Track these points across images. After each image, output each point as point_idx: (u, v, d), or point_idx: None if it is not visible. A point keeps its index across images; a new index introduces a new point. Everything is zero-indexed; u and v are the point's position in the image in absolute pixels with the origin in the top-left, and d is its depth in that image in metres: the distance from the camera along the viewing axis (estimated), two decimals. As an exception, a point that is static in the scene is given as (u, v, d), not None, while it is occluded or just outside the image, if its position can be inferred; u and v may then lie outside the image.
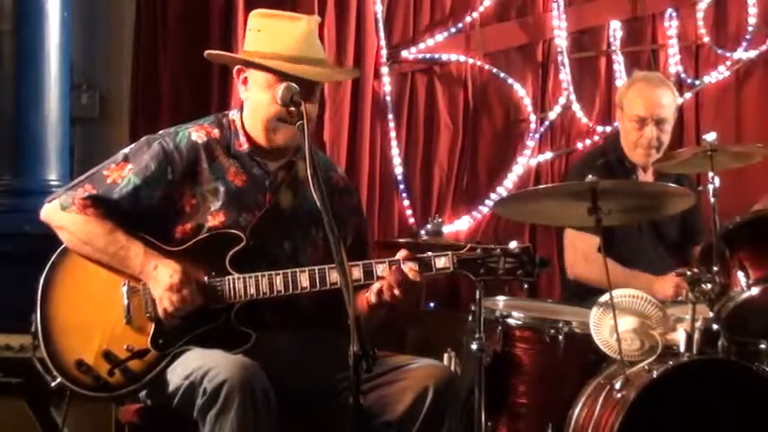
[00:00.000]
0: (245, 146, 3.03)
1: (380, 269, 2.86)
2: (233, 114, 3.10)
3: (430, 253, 2.91)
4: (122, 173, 2.96)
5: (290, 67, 2.91)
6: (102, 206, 2.93)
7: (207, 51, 3.24)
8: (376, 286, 2.87)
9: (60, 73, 4.63)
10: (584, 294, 3.96)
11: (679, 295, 3.81)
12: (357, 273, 2.85)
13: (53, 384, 2.89)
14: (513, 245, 2.92)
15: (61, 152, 4.66)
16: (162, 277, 2.84)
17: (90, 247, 2.92)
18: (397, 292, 2.84)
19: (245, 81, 3.02)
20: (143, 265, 2.88)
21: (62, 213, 2.94)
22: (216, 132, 3.05)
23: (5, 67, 4.57)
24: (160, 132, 3.06)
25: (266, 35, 2.98)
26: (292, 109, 2.76)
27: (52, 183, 4.59)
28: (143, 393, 2.95)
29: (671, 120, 4.25)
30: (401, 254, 2.89)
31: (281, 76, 2.90)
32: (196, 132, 3.04)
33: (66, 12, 4.66)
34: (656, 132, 4.18)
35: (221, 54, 3.42)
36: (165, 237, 2.95)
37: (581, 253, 4.06)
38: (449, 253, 2.89)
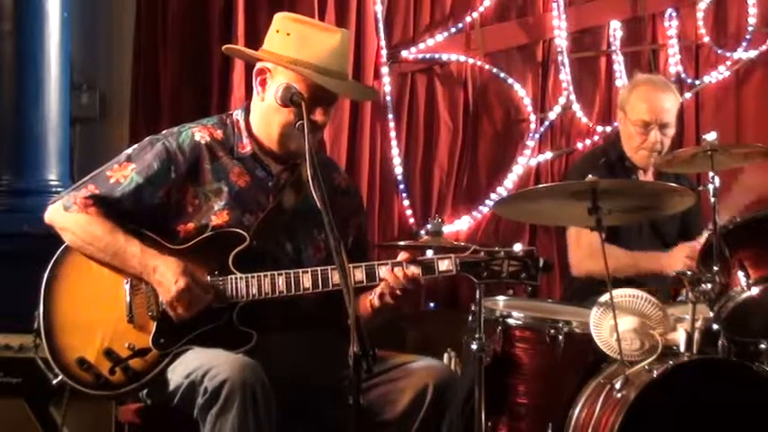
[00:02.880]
0: (248, 148, 3.03)
1: (383, 271, 2.86)
2: (237, 115, 3.09)
3: (431, 253, 2.91)
4: (125, 172, 2.96)
5: (328, 81, 2.90)
6: (104, 205, 2.93)
7: (226, 46, 3.21)
8: (378, 289, 2.86)
9: (60, 73, 4.63)
10: (585, 294, 3.96)
11: (690, 267, 3.74)
12: (359, 274, 2.85)
13: (54, 382, 2.89)
14: (517, 248, 2.91)
15: (61, 152, 4.66)
16: (167, 283, 2.84)
17: (92, 247, 2.92)
18: (398, 293, 2.84)
19: (263, 82, 2.99)
20: (141, 266, 2.88)
21: (65, 214, 2.94)
22: (219, 133, 3.05)
23: (5, 66, 4.57)
24: (163, 132, 3.06)
25: (296, 41, 2.94)
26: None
27: (52, 183, 4.60)
28: (143, 392, 2.95)
29: (674, 123, 4.25)
30: (403, 255, 2.88)
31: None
32: (199, 132, 3.03)
33: (66, 12, 4.67)
34: (660, 137, 4.17)
35: (246, 51, 3.19)
36: (168, 236, 2.95)
37: (586, 249, 4.04)
38: (452, 256, 2.89)
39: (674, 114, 4.24)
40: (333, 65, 2.94)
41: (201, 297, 2.86)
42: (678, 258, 3.92)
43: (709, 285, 3.33)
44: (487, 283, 2.94)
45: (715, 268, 3.34)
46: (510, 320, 3.57)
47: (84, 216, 2.92)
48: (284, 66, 2.93)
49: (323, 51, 2.93)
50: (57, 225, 2.97)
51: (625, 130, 4.29)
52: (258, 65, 3.01)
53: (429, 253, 3.57)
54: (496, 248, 2.92)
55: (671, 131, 4.23)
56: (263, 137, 3.03)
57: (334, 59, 2.95)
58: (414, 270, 2.85)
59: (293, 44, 2.94)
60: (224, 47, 3.20)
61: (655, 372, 3.22)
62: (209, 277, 2.89)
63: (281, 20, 3.02)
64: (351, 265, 2.77)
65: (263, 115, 3.01)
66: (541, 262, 2.91)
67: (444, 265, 2.89)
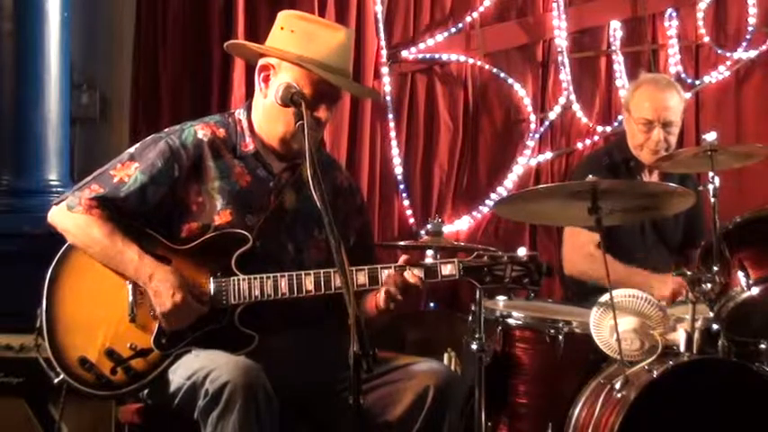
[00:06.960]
0: (251, 146, 3.03)
1: (386, 274, 2.85)
2: (239, 114, 3.08)
3: (430, 255, 2.91)
4: (129, 171, 2.95)
5: (333, 77, 2.90)
6: (107, 207, 2.92)
7: (228, 42, 3.19)
8: (382, 292, 2.86)
9: (60, 73, 4.63)
10: (585, 294, 3.96)
11: (676, 298, 3.81)
12: (362, 277, 2.85)
13: (56, 381, 2.89)
14: (521, 252, 2.91)
15: (61, 152, 4.66)
16: (163, 295, 2.84)
17: (92, 250, 2.92)
18: (399, 296, 2.84)
19: (266, 78, 2.99)
20: (137, 273, 2.88)
21: (68, 214, 2.93)
22: (222, 131, 3.04)
23: (5, 67, 4.56)
24: (165, 130, 3.05)
25: (301, 38, 2.93)
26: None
27: (52, 183, 4.59)
28: (144, 393, 2.95)
29: (678, 122, 4.24)
30: (403, 258, 2.88)
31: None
32: (202, 130, 3.03)
33: (66, 12, 4.66)
34: (664, 135, 4.16)
35: (249, 45, 3.13)
36: (171, 235, 2.95)
37: (581, 249, 4.05)
38: (455, 260, 2.88)
39: (677, 113, 4.23)
40: (336, 62, 2.93)
41: (196, 309, 2.86)
42: (667, 286, 3.91)
43: (709, 285, 3.33)
44: (490, 287, 2.94)
45: (715, 268, 3.34)
46: (510, 320, 3.57)
47: (85, 217, 2.91)
48: (289, 61, 2.92)
49: (327, 48, 2.93)
50: (59, 226, 2.96)
51: (629, 129, 4.29)
52: (261, 61, 3.00)
53: (429, 253, 3.57)
54: (500, 253, 2.91)
55: (675, 130, 4.23)
56: (266, 135, 3.02)
57: (338, 57, 2.94)
58: (417, 273, 2.85)
59: (297, 41, 2.93)
60: (225, 43, 3.18)
61: (655, 372, 3.21)
62: (212, 279, 2.89)
63: (285, 17, 3.02)
64: (354, 268, 2.77)
65: (266, 113, 3.01)
66: (544, 267, 2.91)
67: (447, 269, 2.88)
